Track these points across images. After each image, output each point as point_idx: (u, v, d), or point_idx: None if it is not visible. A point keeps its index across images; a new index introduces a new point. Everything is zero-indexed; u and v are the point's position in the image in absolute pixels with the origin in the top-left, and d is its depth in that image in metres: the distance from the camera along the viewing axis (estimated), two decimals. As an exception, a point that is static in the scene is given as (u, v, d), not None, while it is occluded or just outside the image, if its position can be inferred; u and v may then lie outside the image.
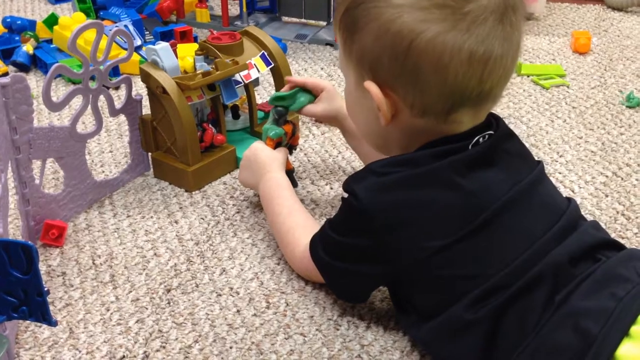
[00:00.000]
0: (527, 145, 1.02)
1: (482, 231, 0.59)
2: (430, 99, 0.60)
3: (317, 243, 0.69)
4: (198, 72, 0.92)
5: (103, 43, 0.82)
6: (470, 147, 0.62)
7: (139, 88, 1.09)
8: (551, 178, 0.95)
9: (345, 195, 0.66)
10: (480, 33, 0.57)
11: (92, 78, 0.83)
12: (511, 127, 1.08)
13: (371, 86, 0.62)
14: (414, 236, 0.61)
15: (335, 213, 0.69)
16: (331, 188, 0.93)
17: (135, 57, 1.24)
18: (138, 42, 1.34)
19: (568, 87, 1.23)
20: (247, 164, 0.85)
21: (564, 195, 0.69)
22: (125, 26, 1.35)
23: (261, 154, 0.84)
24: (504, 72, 0.60)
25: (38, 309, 0.53)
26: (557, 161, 1.00)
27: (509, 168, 0.63)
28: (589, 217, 0.86)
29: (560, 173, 0.97)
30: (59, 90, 1.22)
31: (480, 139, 0.62)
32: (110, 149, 1.03)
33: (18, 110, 0.73)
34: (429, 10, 0.57)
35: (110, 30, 0.85)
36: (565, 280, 0.57)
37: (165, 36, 1.37)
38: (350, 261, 0.66)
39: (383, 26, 0.59)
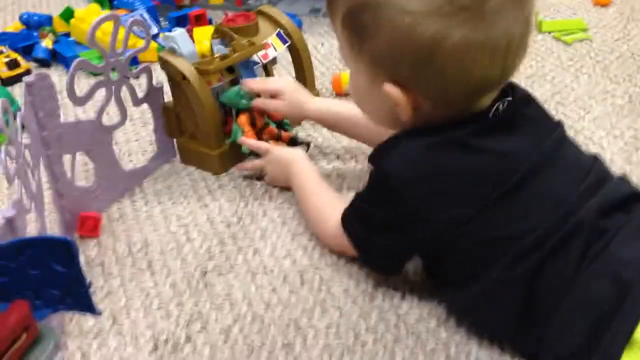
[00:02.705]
0: (552, 103, 1.02)
1: (512, 195, 0.59)
2: (454, 94, 0.60)
3: (349, 216, 0.70)
4: (216, 55, 0.93)
5: (121, 34, 0.83)
6: (490, 115, 0.62)
7: (159, 75, 1.09)
8: (579, 135, 0.94)
9: (372, 167, 0.66)
10: (501, 26, 0.57)
11: (113, 69, 0.84)
12: (535, 86, 1.08)
13: (391, 89, 0.61)
14: (446, 204, 0.61)
15: (362, 186, 0.70)
16: (356, 161, 0.93)
17: (153, 44, 1.25)
18: (154, 30, 1.34)
19: (591, 41, 1.21)
20: (272, 167, 0.87)
21: (591, 153, 0.68)
22: (141, 15, 1.35)
23: (282, 153, 0.87)
24: (524, 49, 0.60)
25: (82, 300, 0.55)
26: (584, 118, 0.98)
27: (530, 132, 0.63)
28: (620, 172, 0.84)
29: (588, 130, 0.95)
30: (81, 83, 1.23)
31: (500, 106, 0.62)
32: (136, 137, 1.05)
33: (44, 107, 0.75)
34: (448, 15, 0.55)
35: (127, 20, 0.86)
36: (599, 232, 0.57)
37: (180, 21, 1.37)
38: (383, 232, 0.66)
39: (400, 33, 0.57)
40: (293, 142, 0.93)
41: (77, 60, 0.78)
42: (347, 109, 0.88)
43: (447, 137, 0.61)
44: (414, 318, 0.68)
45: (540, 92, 1.06)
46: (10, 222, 0.58)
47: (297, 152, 0.87)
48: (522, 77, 1.11)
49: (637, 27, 1.24)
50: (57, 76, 1.27)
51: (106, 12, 1.36)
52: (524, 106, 0.64)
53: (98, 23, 0.78)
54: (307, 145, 0.93)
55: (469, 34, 0.56)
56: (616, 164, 0.87)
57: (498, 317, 0.62)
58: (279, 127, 0.94)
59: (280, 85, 0.91)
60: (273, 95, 0.91)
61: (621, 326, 0.52)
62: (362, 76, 0.64)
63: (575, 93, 1.05)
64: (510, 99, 0.63)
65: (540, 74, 1.12)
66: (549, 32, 1.25)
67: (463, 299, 0.63)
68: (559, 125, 0.66)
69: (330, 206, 0.75)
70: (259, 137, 0.91)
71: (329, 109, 0.91)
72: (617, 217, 0.59)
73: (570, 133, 0.93)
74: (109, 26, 0.82)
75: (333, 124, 0.92)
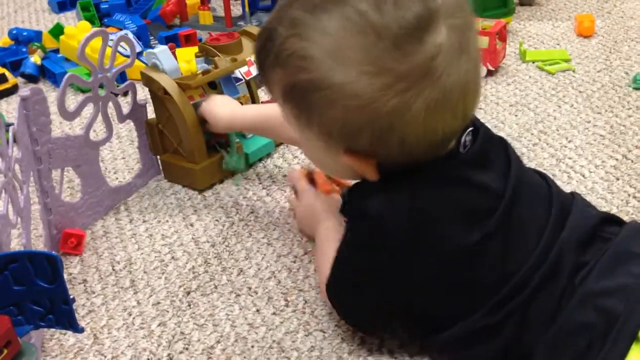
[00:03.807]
0: (535, 131, 1.04)
1: (496, 234, 0.58)
2: (419, 151, 0.56)
3: (333, 283, 0.66)
4: (198, 72, 0.93)
5: (108, 50, 0.83)
6: (460, 149, 0.59)
7: (146, 94, 1.10)
8: (561, 164, 0.96)
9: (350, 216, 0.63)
10: (454, 78, 0.53)
11: (101, 85, 0.84)
12: (518, 114, 1.10)
13: (350, 160, 0.57)
14: (437, 241, 0.58)
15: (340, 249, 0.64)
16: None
17: (139, 63, 1.25)
18: (139, 48, 1.34)
19: (574, 71, 1.23)
20: (304, 216, 0.82)
21: (533, 169, 0.67)
22: (126, 33, 1.36)
23: (317, 205, 0.79)
24: (479, 86, 0.58)
25: (64, 317, 0.55)
26: (566, 146, 1.00)
27: (497, 161, 0.61)
28: (601, 202, 0.86)
29: (570, 158, 0.97)
30: (68, 99, 1.23)
31: (467, 139, 0.60)
32: (122, 155, 1.05)
33: (37, 121, 0.75)
34: (403, 91, 0.52)
35: (114, 37, 0.86)
36: (578, 266, 0.57)
37: (170, 40, 1.38)
38: (370, 286, 0.62)
39: (354, 112, 0.53)
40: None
41: (68, 75, 0.78)
42: (269, 112, 0.85)
43: (427, 175, 0.58)
44: (397, 343, 0.68)
45: (523, 120, 1.08)
46: (-7, 237, 0.58)
47: (332, 207, 0.78)
48: (505, 105, 1.13)
49: (619, 59, 1.27)
50: (44, 91, 1.26)
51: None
52: (489, 139, 0.61)
53: (88, 39, 0.78)
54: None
55: (426, 99, 0.52)
56: (597, 193, 0.89)
57: (482, 356, 0.60)
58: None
59: (200, 110, 0.90)
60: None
61: (611, 354, 0.52)
62: (315, 145, 0.60)
63: (557, 122, 1.07)
64: (472, 128, 0.60)
65: (523, 102, 1.14)
66: (533, 62, 1.27)
67: (443, 341, 0.61)
68: (506, 143, 0.64)
69: None
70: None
71: (255, 117, 0.87)
72: (595, 246, 0.59)
73: (552, 161, 0.96)
74: (97, 43, 0.82)
75: (262, 131, 0.91)
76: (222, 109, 0.89)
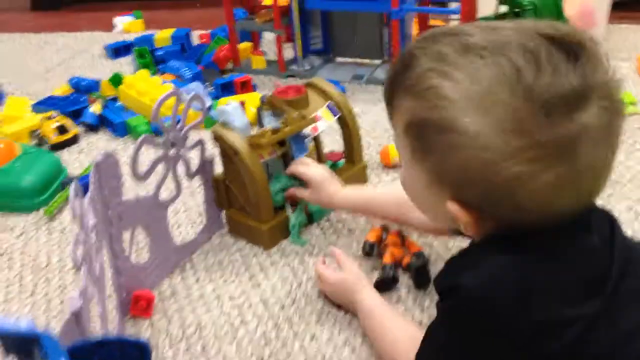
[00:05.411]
0: (609, 182, 1.00)
1: (609, 301, 0.53)
2: (529, 220, 0.52)
3: None
4: (267, 128, 0.93)
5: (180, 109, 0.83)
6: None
7: (209, 147, 1.10)
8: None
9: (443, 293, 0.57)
10: (590, 163, 0.50)
11: (172, 144, 0.84)
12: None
13: (454, 208, 0.54)
14: (547, 316, 0.52)
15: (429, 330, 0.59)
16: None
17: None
18: (208, 103, 1.34)
19: (642, 115, 1.19)
20: (334, 290, 0.81)
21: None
22: (196, 89, 1.36)
23: (346, 281, 0.79)
24: (610, 172, 0.54)
25: (149, 401, 0.53)
26: (644, 199, 0.96)
27: (599, 228, 0.56)
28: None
29: (649, 213, 0.93)
30: (129, 149, 1.24)
31: None
32: (184, 208, 1.04)
33: (109, 185, 0.75)
34: (534, 160, 0.49)
35: (185, 95, 0.86)
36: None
37: (226, 87, 1.39)
38: None
39: (475, 166, 0.51)
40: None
41: (143, 136, 0.77)
42: (374, 192, 0.92)
43: (536, 243, 0.53)
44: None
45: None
46: (76, 315, 0.57)
47: (361, 277, 0.79)
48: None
49: (688, 102, 1.22)
50: (105, 141, 1.28)
51: (155, 78, 1.38)
52: None
53: (162, 100, 0.78)
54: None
55: (555, 177, 0.50)
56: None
57: None
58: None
59: (310, 174, 0.91)
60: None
61: None
62: (420, 181, 0.56)
63: (631, 171, 1.03)
64: None
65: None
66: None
67: None
68: (609, 212, 0.60)
69: (401, 344, 0.67)
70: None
71: (358, 197, 0.89)
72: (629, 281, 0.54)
73: (629, 216, 0.92)
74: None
75: (363, 210, 0.91)
76: (334, 186, 0.91)
